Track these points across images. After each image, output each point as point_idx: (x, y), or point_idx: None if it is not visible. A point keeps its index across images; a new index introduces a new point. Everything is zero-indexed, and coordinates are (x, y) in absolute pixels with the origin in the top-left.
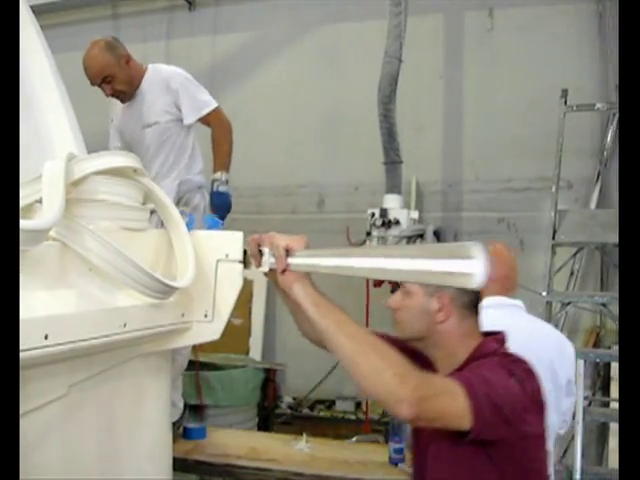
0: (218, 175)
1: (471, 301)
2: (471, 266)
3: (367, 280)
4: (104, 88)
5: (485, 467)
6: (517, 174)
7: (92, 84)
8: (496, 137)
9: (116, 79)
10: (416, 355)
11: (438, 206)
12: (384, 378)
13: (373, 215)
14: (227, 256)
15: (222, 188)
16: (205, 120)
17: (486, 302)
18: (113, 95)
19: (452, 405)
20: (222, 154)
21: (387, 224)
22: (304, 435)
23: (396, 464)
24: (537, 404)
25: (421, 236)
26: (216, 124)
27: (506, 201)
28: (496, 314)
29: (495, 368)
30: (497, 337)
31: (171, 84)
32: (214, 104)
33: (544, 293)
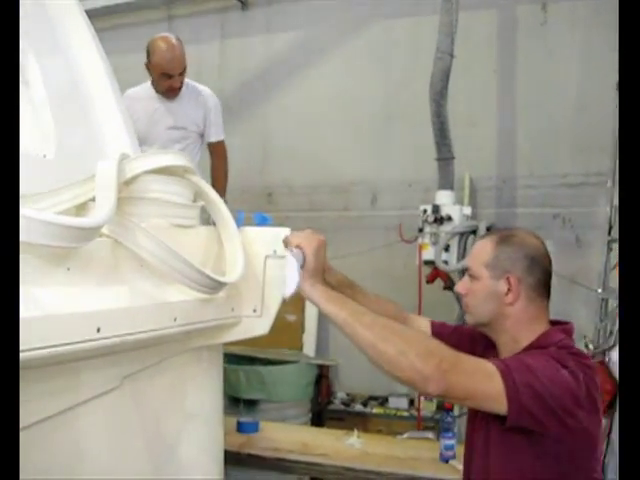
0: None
1: (538, 281)
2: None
3: (419, 277)
4: (176, 80)
5: (533, 463)
6: (572, 169)
7: (170, 73)
8: (551, 132)
9: (185, 73)
10: (476, 341)
11: (492, 202)
12: (408, 359)
13: (425, 211)
14: (275, 252)
15: None
16: (213, 146)
17: None
18: (177, 89)
19: (485, 384)
20: (223, 182)
21: (439, 220)
22: (355, 431)
23: (447, 461)
24: (592, 401)
25: (474, 232)
26: (222, 154)
27: (561, 197)
28: None
29: (546, 359)
30: (565, 327)
31: (208, 102)
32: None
33: (600, 290)
